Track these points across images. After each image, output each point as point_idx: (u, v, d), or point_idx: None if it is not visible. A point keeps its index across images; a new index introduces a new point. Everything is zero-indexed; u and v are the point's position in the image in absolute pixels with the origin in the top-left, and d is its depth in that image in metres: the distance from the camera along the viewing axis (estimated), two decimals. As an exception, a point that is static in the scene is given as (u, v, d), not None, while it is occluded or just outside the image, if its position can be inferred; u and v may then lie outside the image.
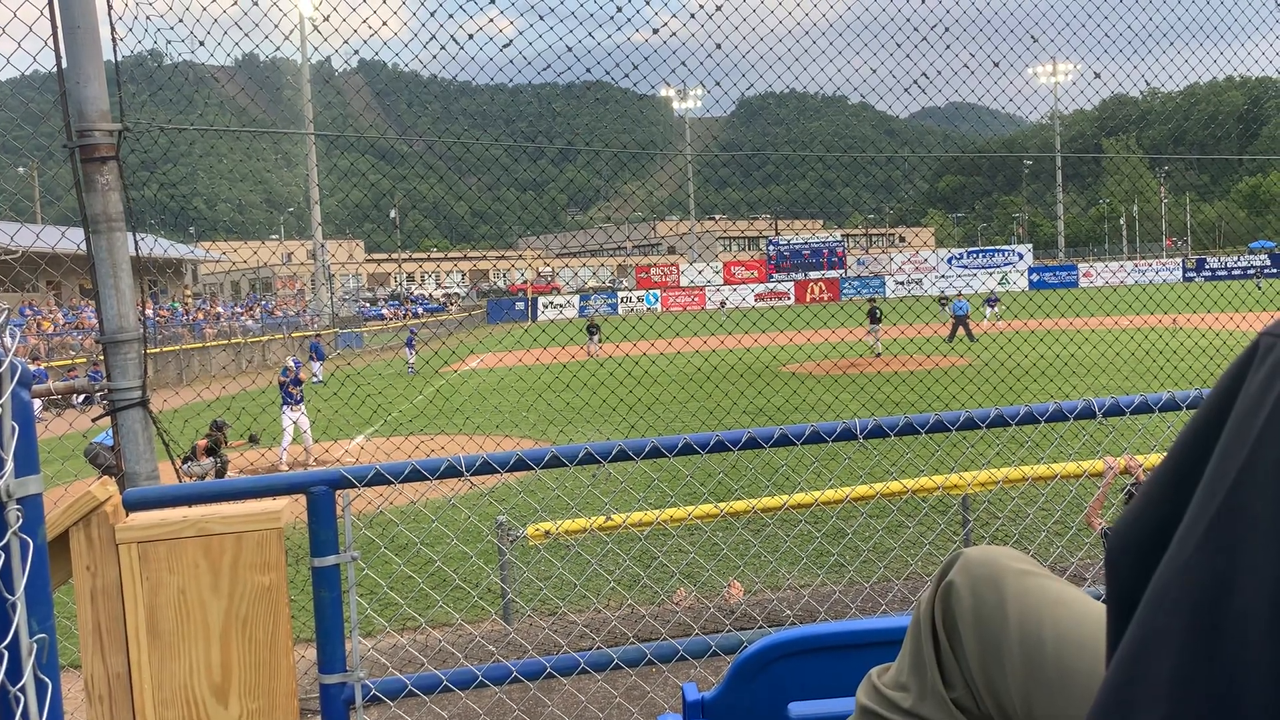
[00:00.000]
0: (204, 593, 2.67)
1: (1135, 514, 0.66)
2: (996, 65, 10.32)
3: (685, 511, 5.93)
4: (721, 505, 5.78)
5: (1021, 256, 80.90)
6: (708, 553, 5.96)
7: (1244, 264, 74.50)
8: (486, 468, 3.02)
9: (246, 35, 6.61)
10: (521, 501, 8.10)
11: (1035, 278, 74.83)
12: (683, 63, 9.89)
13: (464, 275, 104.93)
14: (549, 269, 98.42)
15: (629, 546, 6.16)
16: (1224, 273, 72.39)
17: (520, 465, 3.04)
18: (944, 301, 42.25)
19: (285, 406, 17.91)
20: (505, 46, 9.32)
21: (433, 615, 6.17)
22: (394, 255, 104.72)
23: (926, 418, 3.37)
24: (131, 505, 2.80)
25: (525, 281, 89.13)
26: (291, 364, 18.74)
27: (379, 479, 2.99)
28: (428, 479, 3.02)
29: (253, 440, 15.74)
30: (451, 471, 2.99)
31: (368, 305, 75.56)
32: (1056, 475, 7.11)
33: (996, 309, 39.89)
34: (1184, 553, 0.57)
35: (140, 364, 3.88)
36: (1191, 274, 73.39)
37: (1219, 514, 0.56)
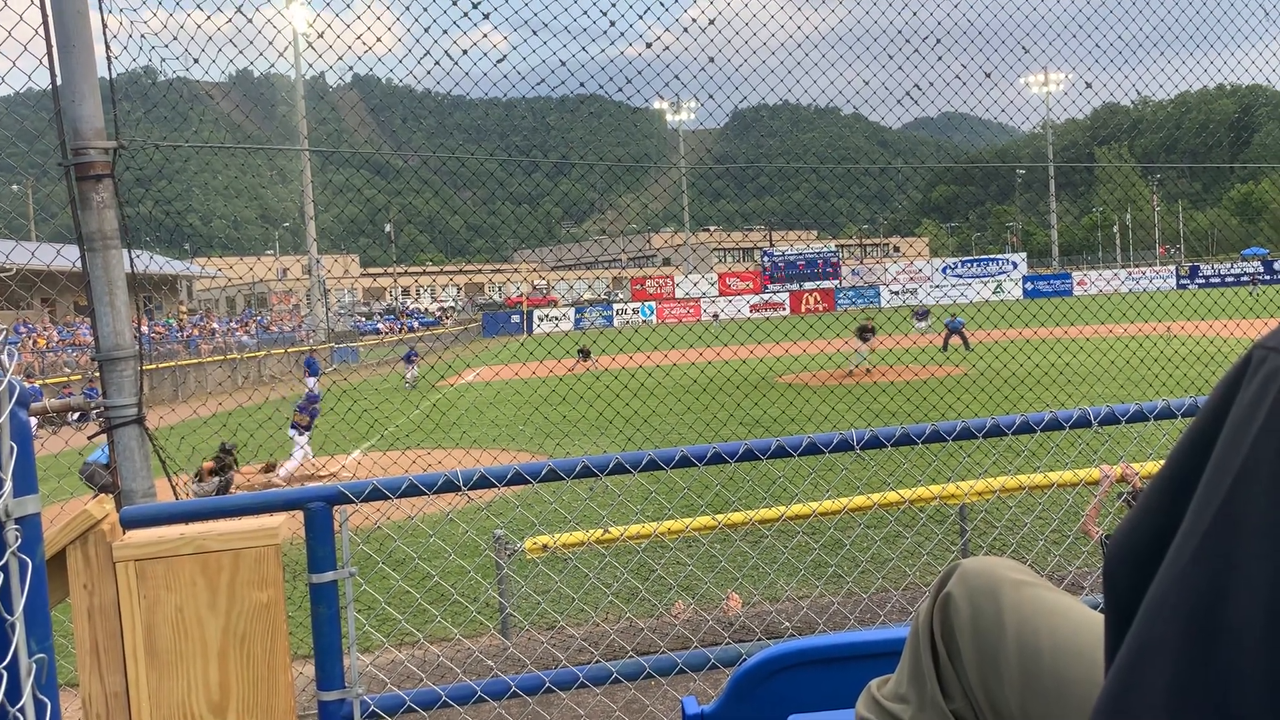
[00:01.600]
0: (201, 610, 2.67)
1: (1132, 524, 0.67)
2: (988, 76, 10.38)
3: (683, 524, 5.92)
4: (719, 517, 5.78)
5: (1016, 265, 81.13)
6: (705, 565, 5.95)
7: (1238, 271, 74.81)
8: (484, 482, 3.02)
9: (241, 52, 6.64)
10: (519, 515, 8.08)
11: (1030, 286, 75.08)
12: (676, 76, 9.94)
13: (459, 289, 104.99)
14: (544, 282, 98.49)
15: (627, 559, 6.16)
16: (1217, 280, 72.67)
17: (518, 479, 3.04)
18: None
19: (294, 431, 18.06)
20: (499, 62, 9.36)
21: (431, 630, 6.15)
22: (389, 269, 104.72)
23: (923, 428, 3.38)
24: (129, 523, 2.80)
25: (521, 295, 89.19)
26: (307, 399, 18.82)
27: (376, 494, 2.98)
28: (425, 494, 3.02)
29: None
30: (449, 486, 2.99)
31: (363, 320, 75.58)
32: (1053, 484, 7.12)
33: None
34: (1180, 562, 0.58)
35: (136, 381, 3.88)
36: (1185, 281, 73.67)
37: (1214, 523, 0.57)
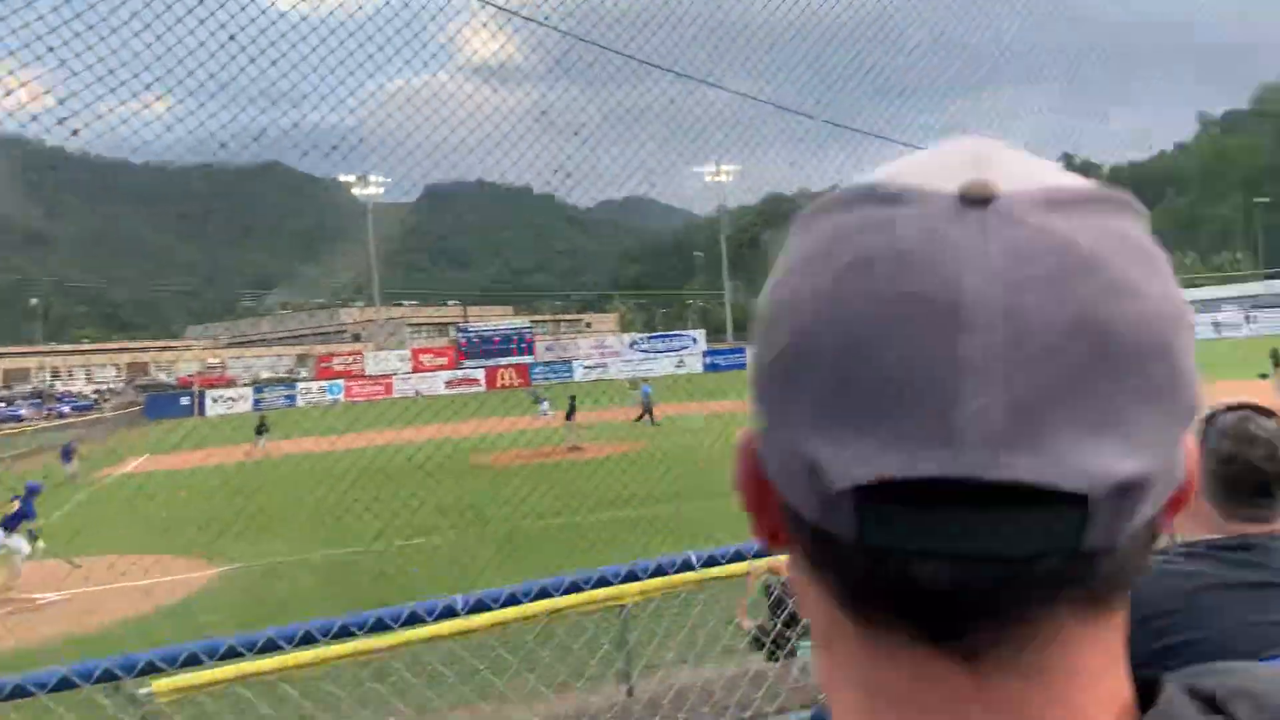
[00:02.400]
0: None
1: None
2: (666, 171, 11.03)
3: (337, 650, 5.59)
4: (374, 640, 5.53)
5: (696, 341, 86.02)
6: (359, 697, 5.69)
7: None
8: (66, 683, 2.68)
9: None
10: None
11: (709, 360, 79.90)
12: (359, 155, 9.77)
13: (120, 369, 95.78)
14: (218, 360, 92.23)
15: (271, 698, 5.72)
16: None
17: (108, 676, 2.74)
18: (634, 385, 43.13)
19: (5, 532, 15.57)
20: (165, 132, 8.83)
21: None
22: (35, 348, 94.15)
23: (560, 581, 3.43)
24: None
25: (192, 375, 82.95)
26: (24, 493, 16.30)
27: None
28: (35, 695, 2.62)
29: None
30: (19, 692, 2.63)
31: (2, 406, 67.18)
32: (709, 579, 7.45)
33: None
34: None
35: None
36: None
37: None
